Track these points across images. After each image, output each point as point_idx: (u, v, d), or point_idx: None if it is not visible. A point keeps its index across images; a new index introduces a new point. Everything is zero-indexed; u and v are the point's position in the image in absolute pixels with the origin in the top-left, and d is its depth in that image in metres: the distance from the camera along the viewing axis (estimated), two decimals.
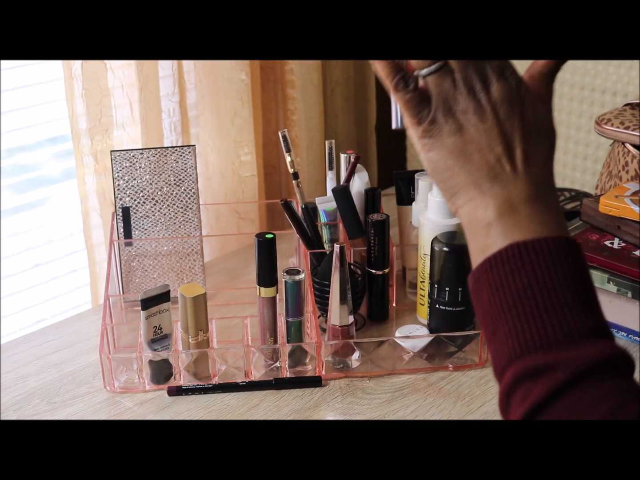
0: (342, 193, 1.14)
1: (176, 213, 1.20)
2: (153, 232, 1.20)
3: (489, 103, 0.61)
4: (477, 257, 0.61)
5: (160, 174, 1.18)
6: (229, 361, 1.04)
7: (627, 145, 1.22)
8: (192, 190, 1.20)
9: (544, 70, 0.65)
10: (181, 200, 1.20)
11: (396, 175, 1.24)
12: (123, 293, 1.21)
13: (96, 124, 1.25)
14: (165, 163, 1.18)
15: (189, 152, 1.19)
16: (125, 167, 1.17)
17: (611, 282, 1.09)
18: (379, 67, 0.63)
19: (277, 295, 1.05)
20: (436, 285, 1.07)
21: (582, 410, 0.53)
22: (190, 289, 1.02)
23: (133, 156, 1.17)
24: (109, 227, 1.22)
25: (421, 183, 1.16)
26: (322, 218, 1.20)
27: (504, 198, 0.60)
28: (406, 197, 1.23)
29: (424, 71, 0.62)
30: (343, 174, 1.22)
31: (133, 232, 1.20)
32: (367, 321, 1.17)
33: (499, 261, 0.58)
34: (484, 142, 0.61)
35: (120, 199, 1.18)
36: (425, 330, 1.09)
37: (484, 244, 0.60)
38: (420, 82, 0.62)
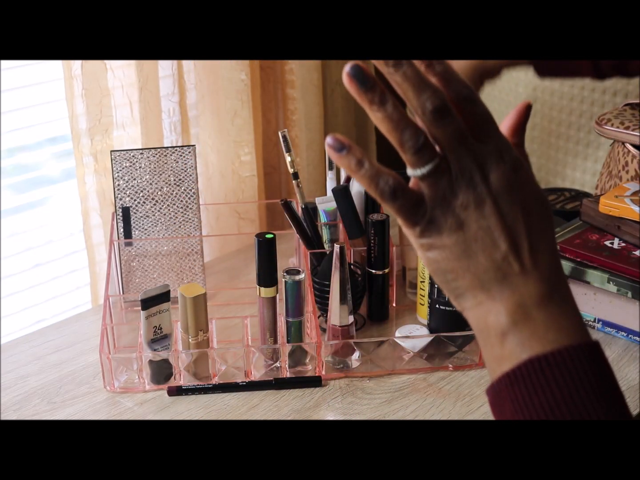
0: (342, 193, 1.14)
1: (176, 213, 1.20)
2: (153, 232, 1.20)
3: (489, 195, 0.55)
4: (493, 366, 0.57)
5: (160, 174, 1.18)
6: (229, 361, 1.04)
7: (627, 145, 1.22)
8: (192, 190, 1.20)
9: (516, 140, 0.61)
10: (181, 200, 1.20)
11: None
12: (123, 293, 1.21)
13: (96, 124, 1.25)
14: (165, 163, 1.18)
15: (189, 152, 1.19)
16: (125, 167, 1.17)
17: (611, 282, 1.09)
18: (359, 178, 0.55)
19: (277, 295, 1.05)
20: (436, 285, 1.07)
21: None
22: (190, 289, 1.02)
23: (133, 156, 1.17)
24: (109, 227, 1.22)
25: None
26: (322, 218, 1.20)
27: (517, 303, 0.56)
28: None
29: (419, 172, 0.55)
30: (343, 174, 1.22)
31: (133, 232, 1.20)
32: (367, 321, 1.17)
33: (520, 377, 0.55)
34: (489, 241, 0.56)
35: (120, 199, 1.18)
36: (425, 330, 1.09)
37: (500, 354, 0.56)
38: (411, 183, 0.56)
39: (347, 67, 0.54)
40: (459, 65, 1.28)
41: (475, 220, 0.55)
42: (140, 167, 1.17)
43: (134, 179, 1.18)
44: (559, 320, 0.56)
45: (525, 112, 0.61)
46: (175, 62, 1.33)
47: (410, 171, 0.55)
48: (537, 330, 0.55)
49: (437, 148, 0.55)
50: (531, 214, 0.56)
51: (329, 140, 0.54)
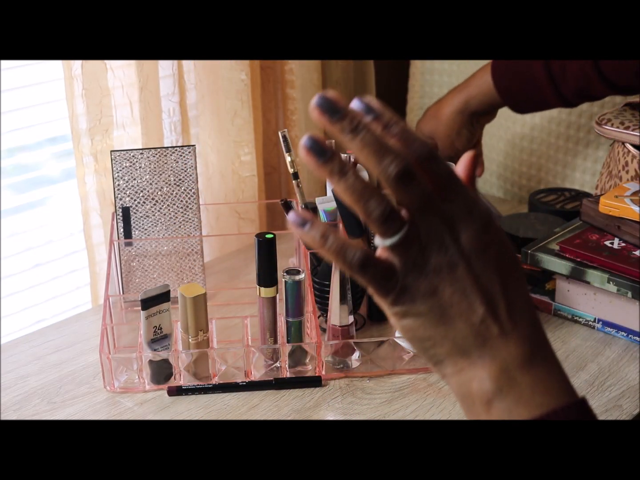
0: None
1: (176, 213, 1.20)
2: (153, 232, 1.20)
3: (461, 257, 0.53)
4: None
5: (160, 174, 1.18)
6: (229, 361, 1.04)
7: (627, 145, 1.22)
8: (192, 190, 1.20)
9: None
10: (181, 200, 1.20)
11: None
12: (123, 293, 1.21)
13: (96, 124, 1.25)
14: (165, 163, 1.18)
15: (189, 152, 1.19)
16: (125, 167, 1.17)
17: (611, 282, 1.09)
18: (324, 252, 0.53)
19: (277, 295, 1.05)
20: None
21: None
22: (190, 289, 1.02)
23: (133, 156, 1.17)
24: (109, 227, 1.22)
25: None
26: (322, 218, 1.20)
27: (500, 368, 0.54)
28: None
29: (389, 242, 0.53)
30: None
31: (133, 232, 1.20)
32: (367, 321, 1.17)
33: None
34: (465, 305, 0.53)
35: (120, 199, 1.18)
36: None
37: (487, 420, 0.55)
38: (379, 252, 0.54)
39: (303, 139, 0.51)
40: (445, 115, 1.31)
41: (449, 284, 0.53)
42: (140, 167, 1.17)
43: (134, 179, 1.18)
44: (544, 381, 0.54)
45: (473, 164, 0.59)
46: (175, 62, 1.33)
47: (378, 241, 0.53)
48: (523, 395, 0.54)
49: (404, 213, 0.53)
50: (505, 273, 0.55)
51: (291, 216, 0.53)
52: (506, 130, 1.55)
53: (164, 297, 1.02)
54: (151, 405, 1.01)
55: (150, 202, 1.19)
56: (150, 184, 1.18)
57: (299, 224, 0.53)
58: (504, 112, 1.53)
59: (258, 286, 1.04)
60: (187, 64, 1.36)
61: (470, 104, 1.30)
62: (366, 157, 0.52)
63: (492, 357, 0.54)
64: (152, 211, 1.19)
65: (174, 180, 1.19)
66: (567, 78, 1.20)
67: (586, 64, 1.18)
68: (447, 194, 0.54)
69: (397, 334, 1.08)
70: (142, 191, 1.18)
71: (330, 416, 0.99)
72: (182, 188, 1.19)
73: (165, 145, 1.35)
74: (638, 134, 1.20)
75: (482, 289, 0.54)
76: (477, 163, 0.59)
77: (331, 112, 0.52)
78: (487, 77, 1.27)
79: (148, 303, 1.01)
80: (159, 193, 1.19)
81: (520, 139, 1.54)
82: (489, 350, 0.54)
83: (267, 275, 1.03)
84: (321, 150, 0.51)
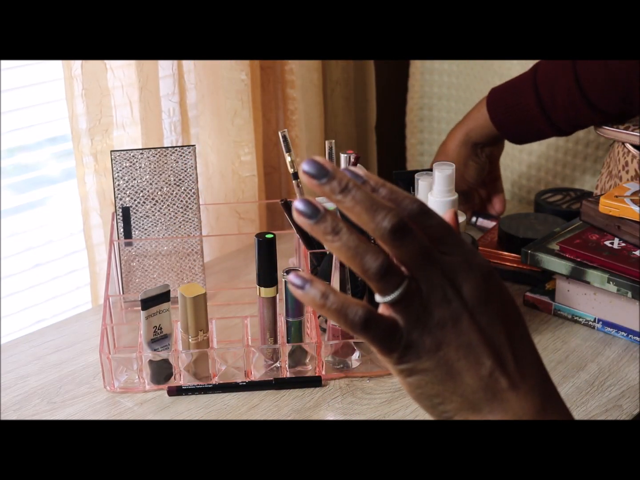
0: None
1: (176, 213, 1.20)
2: (153, 232, 1.20)
3: (465, 309, 0.52)
4: None
5: (160, 174, 1.18)
6: (229, 361, 1.04)
7: (627, 145, 1.22)
8: (192, 190, 1.20)
9: None
10: (181, 200, 1.20)
11: (396, 175, 1.24)
12: (123, 293, 1.21)
13: (96, 124, 1.25)
14: (165, 163, 1.18)
15: (189, 152, 1.19)
16: (125, 167, 1.17)
17: (611, 282, 1.09)
18: (325, 312, 0.52)
19: (277, 295, 1.05)
20: None
21: None
22: (190, 289, 1.02)
23: (133, 156, 1.17)
24: (109, 227, 1.22)
25: (421, 183, 1.16)
26: None
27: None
28: None
29: (389, 299, 0.52)
30: None
31: (133, 232, 1.20)
32: None
33: None
34: (472, 358, 0.53)
35: (120, 199, 1.18)
36: None
37: None
38: (381, 308, 0.53)
39: (295, 202, 0.51)
40: (451, 150, 1.33)
41: (455, 338, 0.52)
42: (140, 167, 1.17)
43: (134, 179, 1.18)
44: None
45: (455, 221, 0.58)
46: (175, 62, 1.33)
47: (379, 298, 0.52)
48: None
49: (403, 268, 0.52)
50: (509, 323, 0.54)
51: (291, 278, 0.52)
52: None
53: (164, 297, 1.02)
54: (151, 405, 1.01)
55: (150, 202, 1.19)
56: (150, 184, 1.18)
57: (299, 285, 0.52)
58: None
59: (258, 286, 1.04)
60: (187, 64, 1.36)
61: (471, 135, 1.32)
62: (358, 215, 0.51)
63: (503, 410, 0.53)
64: (152, 211, 1.19)
65: (174, 180, 1.19)
66: (557, 107, 1.22)
67: (574, 92, 1.20)
68: (444, 248, 0.53)
69: None
70: (142, 191, 1.18)
71: (330, 416, 0.99)
72: (182, 188, 1.19)
73: (165, 145, 1.35)
74: (638, 134, 1.20)
75: (488, 341, 0.53)
76: (457, 219, 0.59)
77: (319, 175, 0.51)
78: (484, 110, 1.29)
79: (148, 303, 1.01)
80: (159, 193, 1.19)
81: None
82: (500, 404, 0.53)
83: (267, 275, 1.03)
84: (313, 211, 0.51)
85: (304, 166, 0.52)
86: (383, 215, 0.51)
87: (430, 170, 1.16)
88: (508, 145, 1.56)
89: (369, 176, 0.53)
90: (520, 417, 0.53)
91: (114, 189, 1.18)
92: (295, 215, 0.51)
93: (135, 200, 1.18)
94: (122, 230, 1.19)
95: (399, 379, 0.55)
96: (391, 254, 0.52)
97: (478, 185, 1.38)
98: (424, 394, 0.54)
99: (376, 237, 0.52)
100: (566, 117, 1.23)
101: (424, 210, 0.53)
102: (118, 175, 1.17)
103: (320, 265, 1.14)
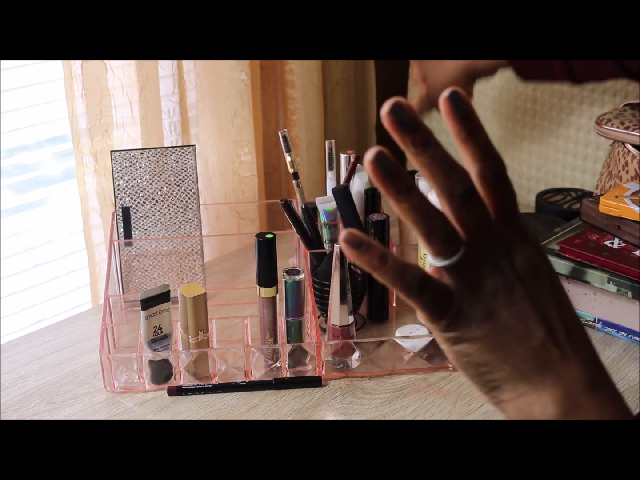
0: (342, 193, 1.14)
1: (176, 213, 1.20)
2: (153, 232, 1.20)
3: (518, 279, 0.52)
4: None
5: (160, 174, 1.18)
6: (229, 361, 1.04)
7: (627, 145, 1.22)
8: (192, 190, 1.20)
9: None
10: (181, 200, 1.20)
11: None
12: (123, 293, 1.21)
13: (96, 124, 1.25)
14: (165, 163, 1.18)
15: (189, 152, 1.19)
16: (125, 167, 1.17)
17: (611, 282, 1.09)
18: (382, 274, 0.52)
19: (277, 295, 1.05)
20: None
21: None
22: (190, 289, 1.02)
23: (133, 156, 1.17)
24: (109, 227, 1.22)
25: (421, 183, 1.16)
26: (322, 218, 1.20)
27: (564, 392, 0.53)
28: None
29: (447, 263, 0.52)
30: (343, 174, 1.22)
31: (133, 232, 1.20)
32: (367, 321, 1.17)
33: None
34: (523, 328, 0.52)
35: (120, 199, 1.18)
36: (425, 330, 1.09)
37: None
38: (434, 272, 0.53)
39: (372, 154, 0.50)
40: (449, 68, 1.28)
41: (506, 307, 0.52)
42: (140, 167, 1.17)
43: (134, 179, 1.18)
44: (608, 405, 0.54)
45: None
46: (175, 62, 1.33)
47: (434, 261, 0.52)
48: (589, 419, 0.53)
49: (462, 234, 0.52)
50: (559, 296, 0.54)
51: (345, 236, 0.51)
52: (506, 130, 1.55)
53: (164, 297, 1.02)
54: (151, 405, 1.01)
55: (150, 202, 1.19)
56: (150, 184, 1.18)
57: (355, 244, 0.51)
58: (504, 112, 1.53)
59: (258, 286, 1.04)
60: (187, 64, 1.36)
61: (477, 63, 1.26)
62: (433, 173, 0.51)
63: (554, 380, 0.53)
64: (152, 211, 1.19)
65: (174, 180, 1.19)
66: None
67: None
68: (505, 216, 0.53)
69: (397, 334, 1.08)
70: (142, 191, 1.18)
71: (330, 416, 0.99)
72: (182, 188, 1.19)
73: (165, 145, 1.35)
74: (638, 134, 1.20)
75: (539, 313, 0.53)
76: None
77: (406, 123, 0.50)
78: None
79: (148, 303, 1.01)
80: (159, 193, 1.19)
81: (521, 138, 1.54)
82: (551, 374, 0.53)
83: (267, 275, 1.03)
84: (390, 169, 0.50)
85: (390, 107, 0.50)
86: (457, 179, 0.51)
87: None
88: (508, 145, 1.55)
89: (473, 116, 0.51)
90: (571, 388, 0.53)
91: (114, 189, 1.18)
92: (370, 168, 0.50)
93: (135, 200, 1.18)
94: (122, 230, 1.19)
95: (443, 347, 0.54)
96: (455, 217, 0.52)
97: None
98: (470, 362, 0.54)
99: (445, 198, 0.52)
100: (585, 62, 1.18)
101: (505, 174, 0.53)
102: (118, 175, 1.17)
103: (320, 266, 1.14)
